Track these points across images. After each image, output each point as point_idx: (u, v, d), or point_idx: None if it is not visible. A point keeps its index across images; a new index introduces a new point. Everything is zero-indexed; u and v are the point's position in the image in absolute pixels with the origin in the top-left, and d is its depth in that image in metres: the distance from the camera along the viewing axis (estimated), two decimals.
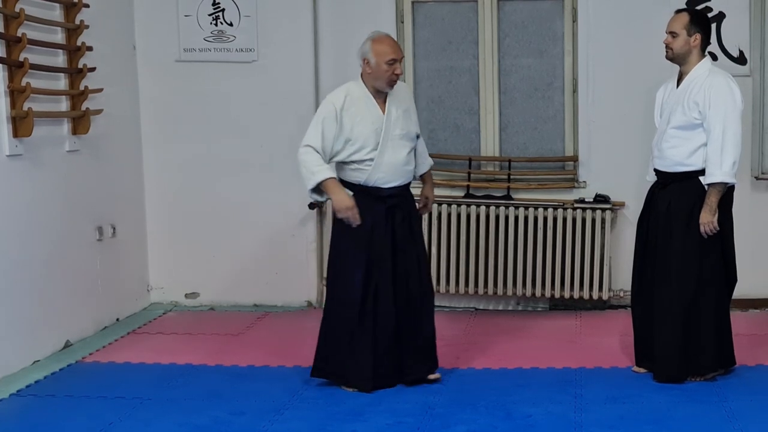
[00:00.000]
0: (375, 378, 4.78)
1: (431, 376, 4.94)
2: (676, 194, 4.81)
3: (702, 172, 4.75)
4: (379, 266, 4.76)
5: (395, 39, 4.97)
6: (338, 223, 4.84)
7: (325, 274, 6.50)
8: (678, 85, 4.85)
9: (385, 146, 4.71)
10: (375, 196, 4.76)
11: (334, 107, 4.69)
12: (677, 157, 4.80)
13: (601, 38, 6.25)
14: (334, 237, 4.95)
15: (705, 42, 4.83)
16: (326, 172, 4.66)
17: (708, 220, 4.71)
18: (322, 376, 4.90)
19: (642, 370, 5.02)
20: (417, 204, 5.05)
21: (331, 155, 4.74)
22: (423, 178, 5.12)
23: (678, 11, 4.93)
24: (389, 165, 4.74)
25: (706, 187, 4.73)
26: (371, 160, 4.71)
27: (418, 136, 4.95)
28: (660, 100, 4.98)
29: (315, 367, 4.90)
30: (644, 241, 4.98)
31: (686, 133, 4.77)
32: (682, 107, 4.76)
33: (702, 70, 4.80)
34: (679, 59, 4.82)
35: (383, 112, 4.74)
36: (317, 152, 4.67)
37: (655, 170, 4.96)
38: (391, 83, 4.71)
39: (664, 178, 4.89)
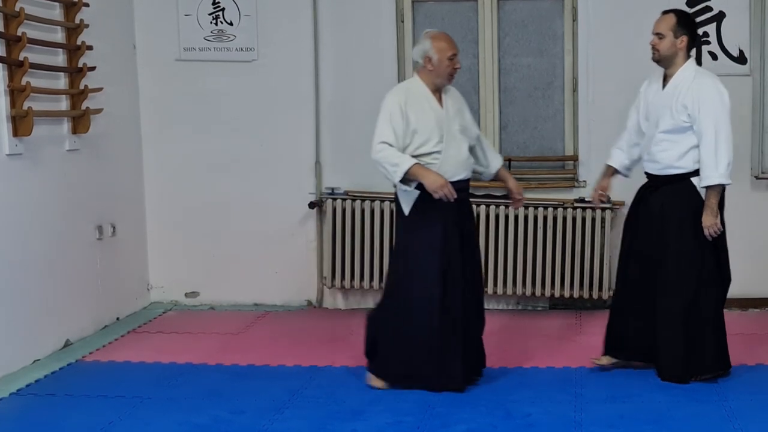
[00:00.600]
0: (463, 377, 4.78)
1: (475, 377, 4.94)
2: (668, 196, 4.81)
3: (693, 173, 4.76)
4: (452, 264, 4.75)
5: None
6: (406, 224, 4.83)
7: (324, 273, 6.55)
8: (664, 87, 4.84)
9: (449, 139, 4.75)
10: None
11: (398, 103, 4.73)
12: (668, 160, 4.80)
13: (601, 37, 6.25)
14: (402, 239, 4.89)
15: (691, 44, 4.82)
16: (408, 159, 4.65)
17: (711, 222, 4.70)
18: (404, 382, 4.79)
19: (605, 360, 5.04)
20: (510, 198, 5.11)
21: (401, 150, 4.74)
22: (500, 175, 5.10)
23: (665, 12, 4.90)
24: (454, 158, 4.77)
25: (699, 189, 4.73)
26: (438, 152, 4.72)
27: (478, 136, 4.98)
28: (644, 99, 4.96)
29: (392, 374, 4.82)
30: (632, 241, 4.99)
31: (675, 136, 4.77)
32: (671, 111, 4.76)
33: (688, 71, 4.79)
34: (665, 61, 4.80)
35: (441, 108, 4.81)
36: (392, 147, 4.68)
37: (646, 173, 4.97)
38: (451, 77, 4.80)
39: (655, 181, 4.89)
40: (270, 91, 6.51)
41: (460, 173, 4.80)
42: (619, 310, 5.06)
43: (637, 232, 4.96)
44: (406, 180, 4.67)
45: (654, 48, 4.80)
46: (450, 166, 4.74)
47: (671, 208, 4.80)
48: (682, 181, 4.78)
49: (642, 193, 4.99)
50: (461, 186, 4.81)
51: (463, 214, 4.86)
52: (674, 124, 4.75)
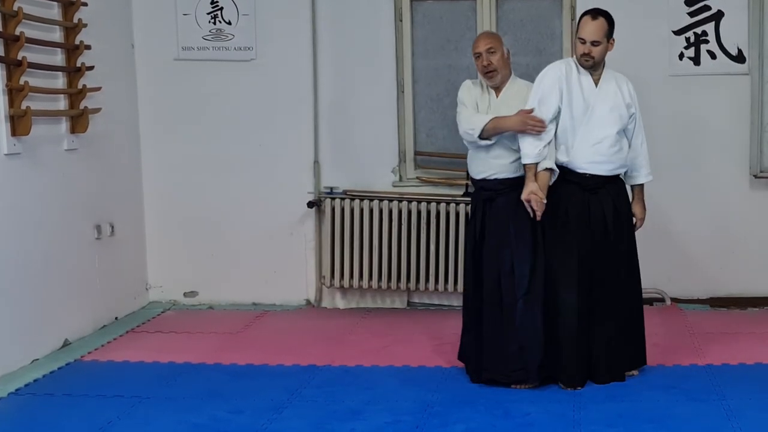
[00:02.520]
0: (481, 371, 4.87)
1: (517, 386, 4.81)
2: (615, 195, 4.77)
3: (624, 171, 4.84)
4: (471, 260, 4.91)
5: (486, 35, 5.04)
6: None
7: (323, 273, 6.55)
8: (597, 85, 4.73)
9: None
10: (477, 186, 4.89)
11: (468, 86, 4.92)
12: (621, 160, 4.77)
13: None
14: None
15: None
16: (483, 119, 4.73)
17: (644, 216, 4.89)
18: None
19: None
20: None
21: None
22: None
23: (594, 17, 4.65)
24: (477, 155, 4.81)
25: (629, 186, 4.87)
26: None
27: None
28: (569, 94, 4.70)
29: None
30: (588, 248, 4.72)
31: (621, 135, 4.76)
32: (622, 110, 4.71)
33: (611, 70, 4.78)
34: (597, 66, 4.71)
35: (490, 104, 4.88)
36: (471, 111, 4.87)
37: (588, 175, 4.71)
38: (486, 75, 4.82)
39: (597, 183, 4.72)
40: (268, 90, 6.51)
41: (486, 172, 4.80)
42: (583, 330, 4.74)
43: (593, 239, 4.72)
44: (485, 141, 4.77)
45: (588, 56, 4.63)
46: (477, 162, 4.79)
47: (622, 207, 4.80)
48: (619, 180, 4.83)
49: (577, 197, 4.71)
50: (489, 185, 4.80)
51: (493, 214, 4.78)
52: (626, 122, 4.75)
